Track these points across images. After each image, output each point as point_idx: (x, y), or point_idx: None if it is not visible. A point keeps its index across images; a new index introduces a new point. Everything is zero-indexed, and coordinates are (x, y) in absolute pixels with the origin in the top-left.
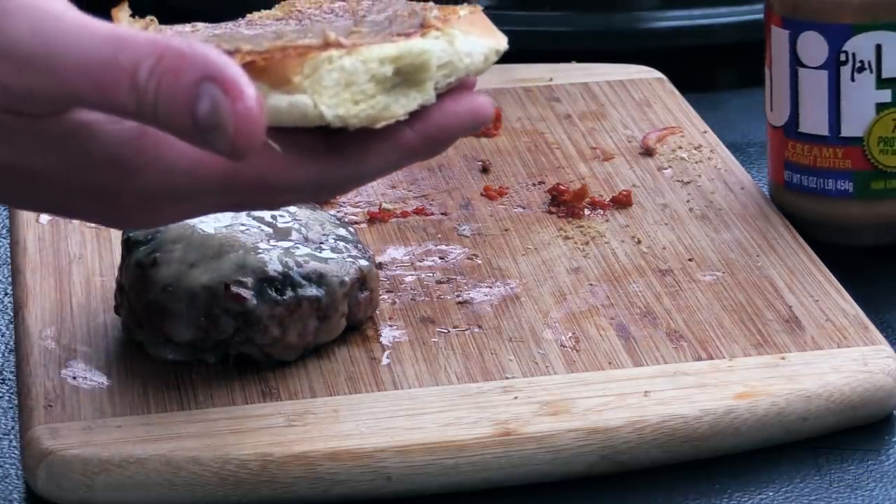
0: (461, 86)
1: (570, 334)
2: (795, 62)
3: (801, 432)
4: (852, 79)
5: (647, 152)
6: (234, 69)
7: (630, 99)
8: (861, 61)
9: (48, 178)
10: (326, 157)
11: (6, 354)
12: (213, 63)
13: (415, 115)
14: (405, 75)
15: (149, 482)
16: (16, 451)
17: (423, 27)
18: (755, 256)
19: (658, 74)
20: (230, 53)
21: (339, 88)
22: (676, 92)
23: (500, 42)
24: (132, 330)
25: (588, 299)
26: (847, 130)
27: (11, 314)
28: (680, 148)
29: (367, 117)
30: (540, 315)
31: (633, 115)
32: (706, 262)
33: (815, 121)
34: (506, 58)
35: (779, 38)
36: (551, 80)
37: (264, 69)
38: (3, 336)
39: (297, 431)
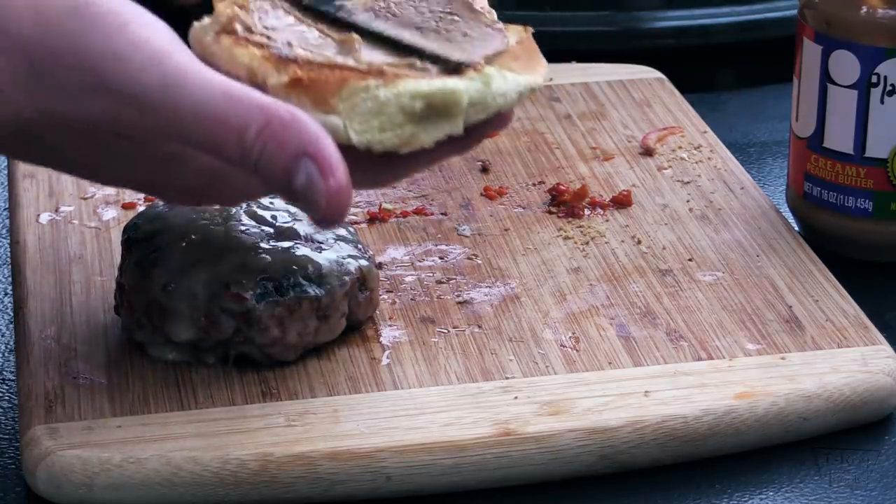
0: None
1: (570, 334)
2: (826, 78)
3: (801, 432)
4: (882, 101)
5: (647, 152)
6: (328, 147)
7: (630, 99)
8: (892, 84)
9: (149, 183)
10: (377, 162)
11: (6, 354)
12: (312, 139)
13: None
14: (436, 109)
15: (149, 482)
16: (16, 451)
17: (462, 70)
18: (755, 256)
19: (658, 74)
20: (287, 61)
21: (370, 116)
22: (676, 92)
23: (537, 79)
24: (132, 330)
25: (588, 299)
26: (872, 151)
27: (11, 314)
28: (680, 148)
29: (391, 144)
30: (540, 315)
31: (633, 115)
32: (706, 262)
33: (840, 138)
34: None
35: (810, 51)
36: (551, 80)
37: (308, 87)
38: (3, 336)
39: (297, 431)
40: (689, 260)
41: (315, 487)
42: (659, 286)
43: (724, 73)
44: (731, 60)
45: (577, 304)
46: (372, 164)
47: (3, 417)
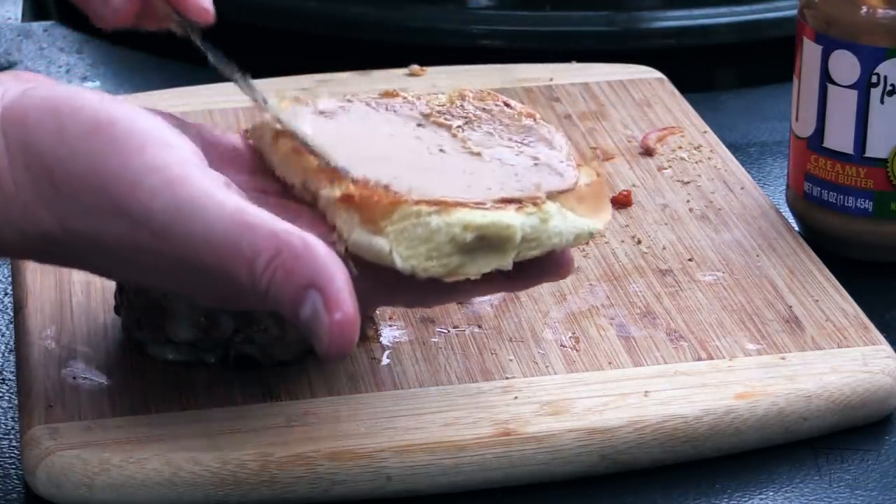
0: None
1: (570, 334)
2: (826, 78)
3: (801, 432)
4: (882, 101)
5: (647, 152)
6: (337, 280)
7: (630, 99)
8: (892, 84)
9: (181, 290)
10: (421, 287)
11: (6, 354)
12: (321, 272)
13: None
14: (487, 241)
15: (149, 482)
16: (16, 451)
17: (522, 203)
18: (755, 256)
19: (658, 74)
20: (342, 176)
21: (418, 242)
22: (676, 92)
23: (597, 224)
24: (132, 330)
25: (588, 299)
26: (872, 151)
27: (11, 314)
28: (680, 148)
29: (436, 273)
30: (540, 315)
31: (633, 115)
32: (706, 262)
33: (840, 138)
34: (506, 58)
35: (810, 52)
36: (551, 80)
37: (359, 205)
38: (3, 336)
39: (297, 431)
40: (689, 260)
41: (315, 487)
42: (659, 286)
43: (724, 73)
44: (730, 60)
45: (577, 304)
46: (419, 287)
47: (3, 417)
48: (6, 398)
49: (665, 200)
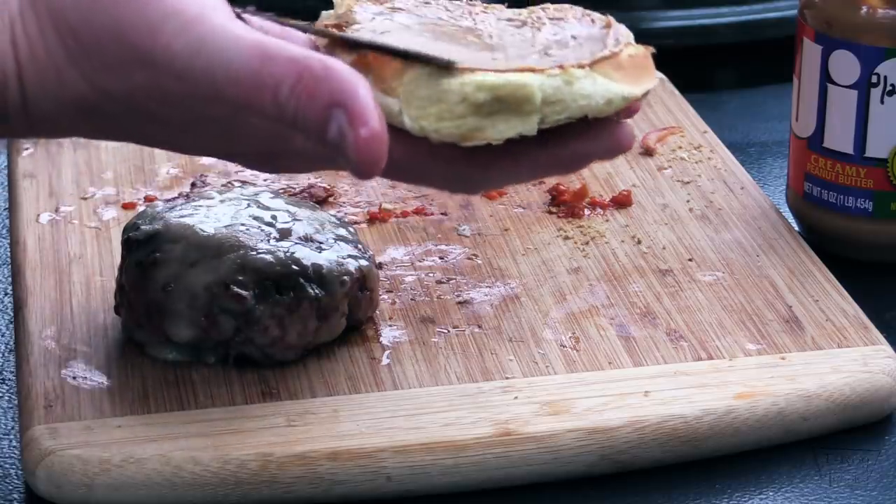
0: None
1: (570, 334)
2: (825, 78)
3: (801, 432)
4: (882, 101)
5: (647, 152)
6: (361, 96)
7: None
8: (892, 84)
9: (216, 149)
10: (458, 158)
11: (6, 354)
12: (344, 90)
13: (553, 135)
14: (506, 103)
15: (149, 482)
16: (16, 451)
17: (544, 70)
18: (755, 256)
19: (658, 74)
20: (353, 45)
21: (428, 102)
22: (676, 92)
23: (633, 89)
24: (132, 330)
25: (588, 299)
26: (872, 151)
27: (11, 314)
28: (680, 148)
29: (449, 135)
30: (540, 315)
31: None
32: (706, 262)
33: (840, 138)
34: None
35: (810, 51)
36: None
37: (372, 66)
38: (3, 336)
39: (297, 431)
40: (689, 260)
41: (315, 487)
42: (659, 286)
43: (724, 73)
44: (731, 60)
45: (577, 304)
46: (453, 160)
47: (3, 417)
48: (6, 398)
49: (665, 200)
